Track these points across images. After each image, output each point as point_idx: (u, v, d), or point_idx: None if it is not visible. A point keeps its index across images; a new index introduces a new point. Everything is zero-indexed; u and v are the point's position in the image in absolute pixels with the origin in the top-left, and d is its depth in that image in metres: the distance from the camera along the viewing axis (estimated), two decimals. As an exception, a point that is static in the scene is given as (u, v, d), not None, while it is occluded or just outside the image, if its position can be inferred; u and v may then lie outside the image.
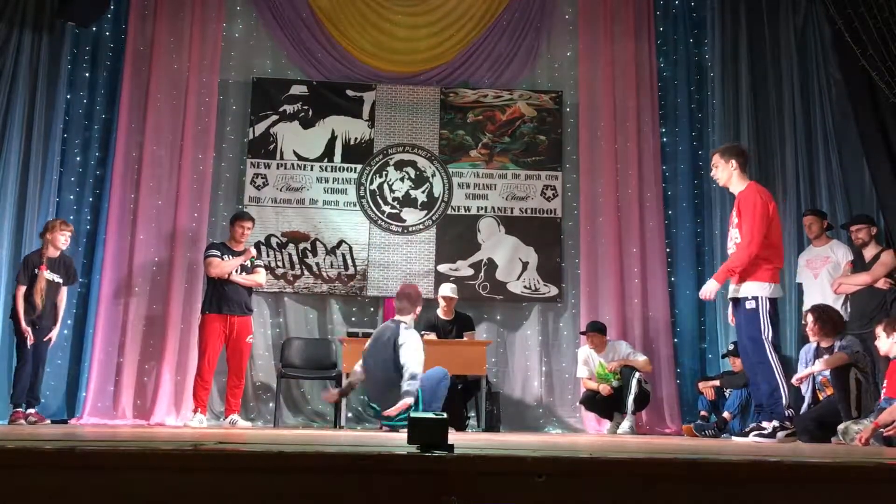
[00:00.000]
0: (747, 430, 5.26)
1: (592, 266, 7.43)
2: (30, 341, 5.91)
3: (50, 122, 7.01)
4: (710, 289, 5.05)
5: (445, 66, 7.87)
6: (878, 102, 6.38)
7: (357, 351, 6.63)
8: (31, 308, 5.97)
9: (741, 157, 5.10)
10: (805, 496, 1.75)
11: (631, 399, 6.47)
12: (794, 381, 5.53)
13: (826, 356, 5.47)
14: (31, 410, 5.98)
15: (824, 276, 6.16)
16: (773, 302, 4.94)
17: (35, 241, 6.52)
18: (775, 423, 4.82)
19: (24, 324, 5.92)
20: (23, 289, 5.99)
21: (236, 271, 6.39)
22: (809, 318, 5.60)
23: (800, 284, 6.52)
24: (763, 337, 4.84)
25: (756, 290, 4.89)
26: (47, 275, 6.07)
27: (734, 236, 5.02)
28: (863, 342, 5.45)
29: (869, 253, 5.99)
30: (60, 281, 6.19)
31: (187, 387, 6.77)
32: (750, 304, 4.88)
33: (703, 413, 6.58)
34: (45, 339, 6.09)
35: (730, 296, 5.11)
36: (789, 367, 6.69)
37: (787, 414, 4.86)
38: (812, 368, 5.45)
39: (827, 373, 5.40)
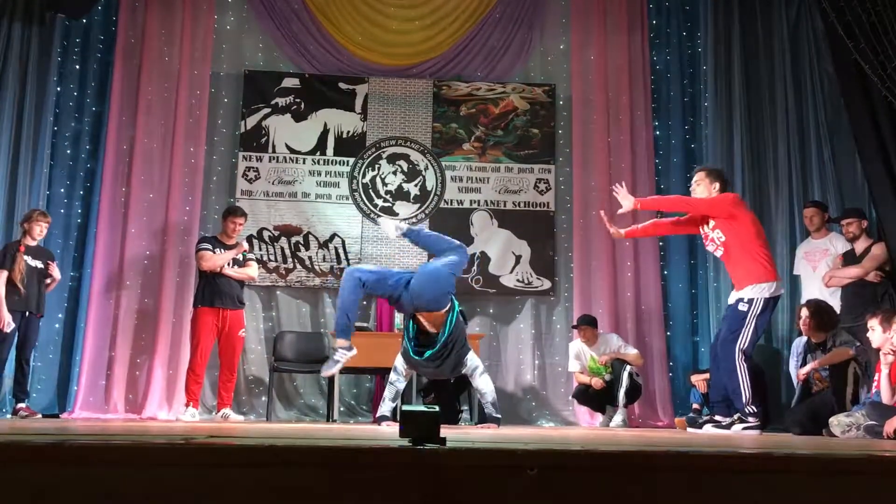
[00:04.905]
0: (701, 421, 5.34)
1: (585, 259, 7.43)
2: (6, 329, 5.90)
3: (40, 114, 6.97)
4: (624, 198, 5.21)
5: (438, 59, 7.86)
6: (870, 96, 6.38)
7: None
8: (15, 293, 5.97)
9: (724, 183, 5.26)
10: (796, 488, 1.75)
11: (622, 392, 6.49)
12: (799, 376, 5.57)
13: (819, 351, 5.50)
14: (22, 405, 5.97)
15: (823, 269, 6.17)
16: (770, 302, 4.97)
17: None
18: (737, 416, 4.94)
19: (3, 310, 5.90)
20: (4, 274, 5.97)
21: (228, 265, 6.37)
22: (804, 312, 5.61)
23: (797, 277, 6.54)
24: (738, 342, 4.91)
25: (753, 293, 4.94)
26: (29, 260, 6.06)
27: (716, 238, 5.14)
28: (854, 335, 5.47)
29: (860, 246, 6.00)
30: (43, 267, 6.21)
31: (179, 381, 6.77)
32: (742, 307, 4.94)
33: (695, 406, 6.60)
34: (38, 316, 6.17)
35: (729, 302, 5.18)
36: (780, 360, 6.73)
37: (748, 410, 4.92)
38: (816, 363, 5.46)
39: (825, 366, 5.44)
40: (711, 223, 5.15)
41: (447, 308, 5.08)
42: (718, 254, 5.24)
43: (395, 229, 5.43)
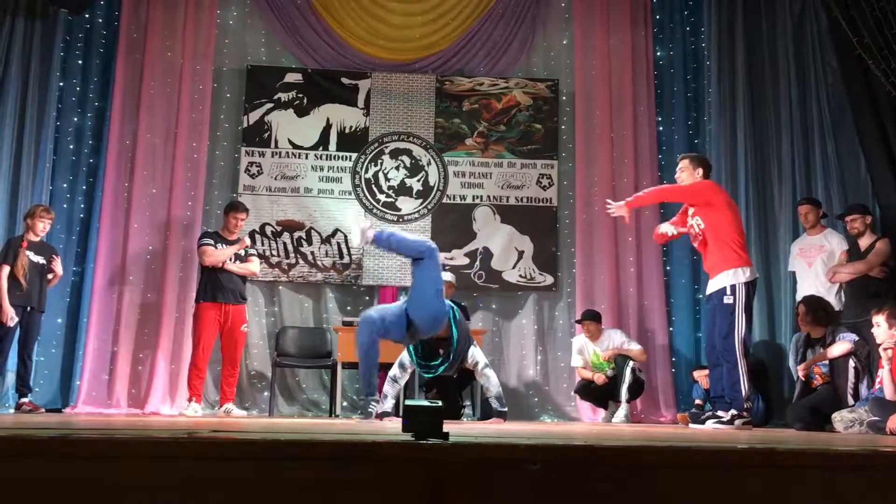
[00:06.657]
0: (703, 417, 5.39)
1: (588, 255, 7.42)
2: (9, 323, 5.91)
3: (43, 109, 6.99)
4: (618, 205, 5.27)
5: (441, 54, 7.84)
6: (874, 91, 6.37)
7: (352, 340, 6.63)
8: (17, 288, 5.98)
9: (707, 169, 5.38)
10: (799, 484, 1.75)
11: (625, 388, 6.48)
12: (799, 372, 5.59)
13: (819, 347, 5.50)
14: (25, 400, 5.98)
15: (818, 265, 6.17)
16: (750, 287, 5.03)
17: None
18: (733, 411, 4.99)
19: (6, 304, 5.90)
20: (6, 268, 5.99)
21: (230, 260, 6.38)
22: (801, 308, 5.64)
23: (793, 273, 6.53)
24: (735, 335, 4.95)
25: (732, 279, 5.00)
26: (31, 255, 6.08)
27: (696, 225, 5.25)
28: (857, 331, 5.47)
29: (864, 242, 5.98)
30: (45, 263, 6.22)
31: (182, 376, 6.78)
32: (728, 299, 4.98)
33: (697, 402, 6.60)
34: (39, 312, 6.20)
35: (708, 292, 5.26)
36: (782, 355, 6.73)
37: (745, 406, 4.99)
38: (816, 358, 5.47)
39: (825, 362, 5.43)
40: (692, 210, 5.27)
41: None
42: (696, 243, 5.32)
43: (362, 236, 5.07)
